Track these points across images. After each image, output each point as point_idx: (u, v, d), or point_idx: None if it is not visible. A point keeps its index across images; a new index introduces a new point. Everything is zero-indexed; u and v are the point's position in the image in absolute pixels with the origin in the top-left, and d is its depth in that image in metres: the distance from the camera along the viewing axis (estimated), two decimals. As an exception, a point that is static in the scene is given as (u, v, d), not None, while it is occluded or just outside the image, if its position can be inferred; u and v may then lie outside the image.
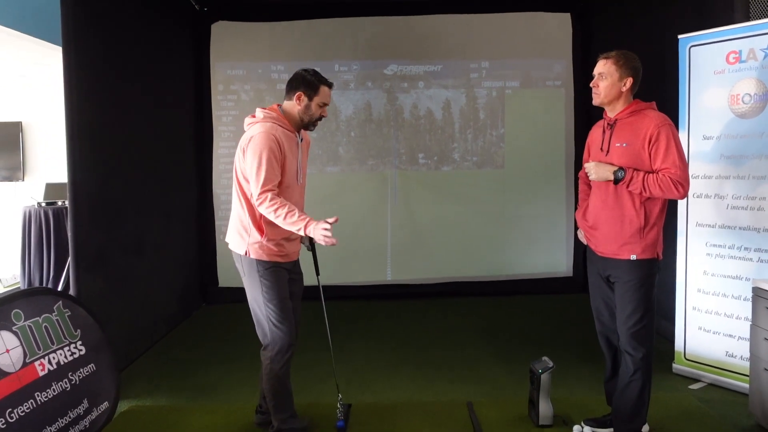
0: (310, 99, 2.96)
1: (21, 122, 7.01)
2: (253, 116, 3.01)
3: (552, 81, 6.24)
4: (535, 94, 6.24)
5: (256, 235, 2.93)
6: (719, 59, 3.69)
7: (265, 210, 2.80)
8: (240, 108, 6.07)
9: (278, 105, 3.04)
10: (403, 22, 6.13)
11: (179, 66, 5.70)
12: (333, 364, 3.49)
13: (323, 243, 2.75)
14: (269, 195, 2.79)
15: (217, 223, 6.12)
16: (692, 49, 3.82)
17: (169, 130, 5.36)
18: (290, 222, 2.77)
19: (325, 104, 3.01)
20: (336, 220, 2.80)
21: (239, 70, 6.10)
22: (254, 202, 2.84)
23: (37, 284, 5.94)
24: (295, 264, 3.16)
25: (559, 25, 6.20)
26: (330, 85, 3.03)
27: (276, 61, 6.08)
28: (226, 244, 3.12)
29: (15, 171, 7.01)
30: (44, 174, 6.95)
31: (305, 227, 2.75)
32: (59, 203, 6.17)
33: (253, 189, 2.83)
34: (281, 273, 2.99)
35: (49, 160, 7.04)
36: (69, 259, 5.78)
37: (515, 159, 6.25)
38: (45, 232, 6.00)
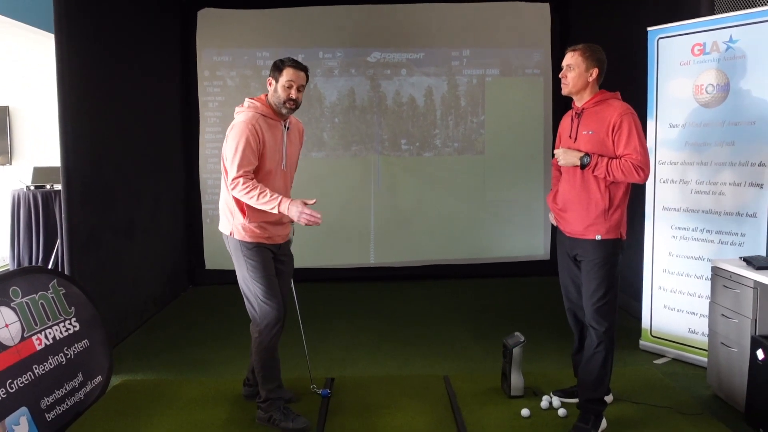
0: (277, 81, 3.06)
1: (8, 106, 7.08)
2: (242, 105, 3.15)
3: (531, 69, 6.41)
4: (514, 82, 6.41)
5: (239, 217, 3.08)
6: (685, 51, 3.88)
7: (239, 193, 2.95)
8: (226, 94, 6.19)
9: (266, 95, 3.16)
10: (387, 10, 6.26)
11: (166, 52, 5.80)
12: (305, 349, 3.68)
13: (302, 222, 2.89)
14: (241, 180, 2.93)
15: (203, 207, 6.25)
16: (660, 41, 4.01)
17: (156, 115, 5.47)
18: (263, 202, 2.91)
19: (291, 85, 3.03)
20: (314, 202, 2.94)
21: (225, 56, 6.21)
22: (229, 186, 3.00)
23: (26, 266, 6.05)
24: (282, 246, 3.29)
25: (538, 15, 6.36)
26: (298, 67, 3.07)
27: (261, 48, 6.19)
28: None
29: (2, 155, 7.10)
30: (31, 158, 7.04)
31: (279, 205, 2.89)
32: (47, 186, 6.28)
33: (229, 174, 2.99)
34: (265, 252, 3.14)
35: (36, 144, 7.12)
36: (58, 241, 5.95)
37: (495, 145, 6.43)
38: (34, 214, 6.11)
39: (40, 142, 7.08)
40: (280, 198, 2.91)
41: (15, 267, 6.16)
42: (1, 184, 7.04)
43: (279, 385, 3.23)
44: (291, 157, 3.25)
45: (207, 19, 6.16)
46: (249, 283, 3.13)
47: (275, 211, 2.91)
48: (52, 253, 6.05)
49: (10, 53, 7.03)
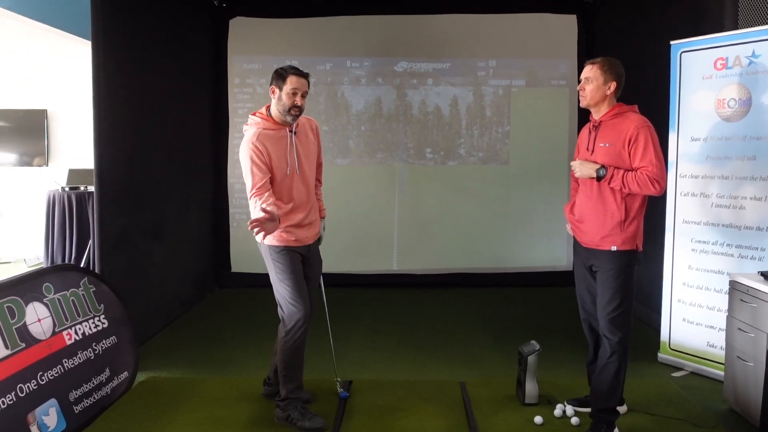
0: (280, 89, 3.11)
1: (46, 110, 7.32)
2: (248, 122, 3.27)
3: (557, 80, 6.44)
4: (540, 92, 6.45)
5: None
6: (708, 65, 3.89)
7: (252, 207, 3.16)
8: (255, 101, 6.33)
9: (267, 105, 3.24)
10: (414, 20, 6.35)
11: (198, 59, 5.97)
12: (332, 345, 3.77)
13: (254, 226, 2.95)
14: (254, 198, 3.11)
15: (231, 210, 6.38)
16: (683, 54, 4.03)
17: (187, 120, 5.63)
18: (258, 207, 3.08)
19: (296, 92, 3.09)
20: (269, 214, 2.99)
21: (255, 64, 6.36)
22: None
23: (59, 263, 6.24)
24: (311, 248, 3.38)
25: (564, 26, 6.39)
26: (301, 74, 3.13)
27: (291, 57, 6.30)
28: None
29: (39, 156, 7.35)
30: (67, 160, 7.27)
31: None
32: (82, 188, 6.47)
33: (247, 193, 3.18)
34: (293, 256, 3.24)
35: (72, 146, 7.36)
36: (90, 241, 6.13)
37: (519, 155, 6.47)
38: (68, 215, 6.29)
39: (76, 145, 7.31)
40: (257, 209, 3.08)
41: (49, 266, 6.35)
42: (38, 185, 7.27)
43: (299, 385, 3.31)
44: (305, 158, 3.29)
45: (238, 27, 6.32)
46: (278, 285, 3.25)
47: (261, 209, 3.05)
48: (84, 252, 6.22)
49: (49, 59, 7.28)
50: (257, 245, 3.33)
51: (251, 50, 6.33)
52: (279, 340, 3.28)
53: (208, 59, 6.19)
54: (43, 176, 7.34)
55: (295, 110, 3.13)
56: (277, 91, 3.13)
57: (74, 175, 6.60)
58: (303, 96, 3.13)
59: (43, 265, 6.51)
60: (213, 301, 5.95)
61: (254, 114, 3.24)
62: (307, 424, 3.20)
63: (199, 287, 5.93)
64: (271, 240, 3.21)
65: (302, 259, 3.31)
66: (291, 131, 3.21)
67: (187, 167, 5.60)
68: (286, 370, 3.27)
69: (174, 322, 5.16)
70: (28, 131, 7.30)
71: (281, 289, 3.23)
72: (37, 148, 7.34)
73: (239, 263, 6.36)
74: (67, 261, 6.26)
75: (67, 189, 6.39)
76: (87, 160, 7.02)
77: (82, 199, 6.31)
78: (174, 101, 5.25)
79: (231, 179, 6.37)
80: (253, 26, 6.33)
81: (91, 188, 6.44)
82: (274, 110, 3.18)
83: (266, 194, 3.09)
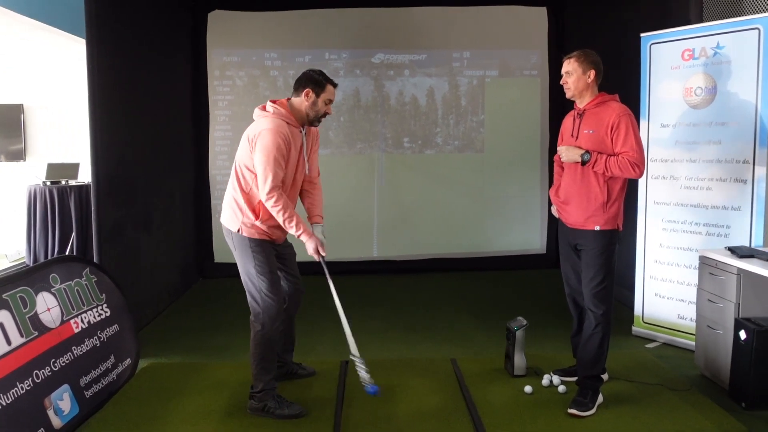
0: (318, 95, 3.20)
1: (22, 104, 7.28)
2: (264, 108, 3.24)
3: (529, 71, 6.68)
4: (512, 82, 6.68)
5: (250, 216, 3.20)
6: (676, 56, 4.15)
7: (270, 208, 3.12)
8: (235, 93, 6.43)
9: (287, 99, 3.28)
10: (390, 13, 6.52)
11: (178, 53, 6.03)
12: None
13: (309, 253, 3.29)
14: (275, 195, 3.08)
15: (213, 202, 6.47)
16: (652, 46, 4.28)
17: (171, 114, 5.71)
18: (288, 226, 3.16)
19: (331, 101, 3.25)
20: (324, 256, 3.35)
21: (234, 57, 6.44)
22: (261, 197, 3.13)
23: (42, 259, 6.26)
24: (282, 245, 3.47)
25: (535, 19, 6.64)
26: (335, 85, 3.27)
27: (269, 49, 6.43)
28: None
29: (16, 151, 7.30)
30: (45, 154, 7.24)
31: (300, 234, 3.20)
32: (63, 182, 6.48)
33: (261, 185, 3.11)
34: (270, 248, 3.30)
35: (49, 141, 7.33)
36: (73, 234, 6.17)
37: (494, 143, 6.70)
38: (50, 209, 6.32)
39: (53, 140, 7.29)
40: (303, 229, 3.19)
41: (31, 260, 6.36)
42: (15, 180, 7.22)
43: (274, 375, 3.34)
44: (313, 162, 3.41)
45: (217, 20, 6.39)
46: (254, 278, 3.23)
47: (292, 233, 3.20)
48: (66, 246, 6.26)
49: (24, 52, 7.23)
50: (226, 234, 3.34)
51: (230, 43, 6.42)
52: (255, 334, 3.26)
53: (187, 53, 6.25)
54: (20, 171, 7.29)
55: (324, 117, 3.28)
56: (312, 95, 3.20)
57: (53, 169, 6.61)
58: None
59: (25, 260, 6.51)
60: (199, 291, 6.05)
61: (275, 103, 3.21)
62: (286, 411, 3.24)
63: (185, 277, 6.03)
64: (252, 233, 3.22)
65: (276, 254, 3.37)
66: (302, 131, 3.28)
67: (171, 160, 5.68)
68: (264, 363, 3.26)
69: (164, 312, 5.25)
70: (5, 126, 7.24)
71: (257, 282, 3.21)
72: (13, 143, 7.29)
73: (222, 254, 6.45)
74: (49, 255, 6.29)
75: (48, 183, 6.40)
76: (65, 155, 7.07)
77: (64, 192, 6.34)
78: (157, 95, 5.32)
79: (213, 171, 6.45)
80: (231, 19, 6.41)
81: (72, 182, 6.48)
82: (302, 110, 3.23)
83: (284, 197, 3.11)
